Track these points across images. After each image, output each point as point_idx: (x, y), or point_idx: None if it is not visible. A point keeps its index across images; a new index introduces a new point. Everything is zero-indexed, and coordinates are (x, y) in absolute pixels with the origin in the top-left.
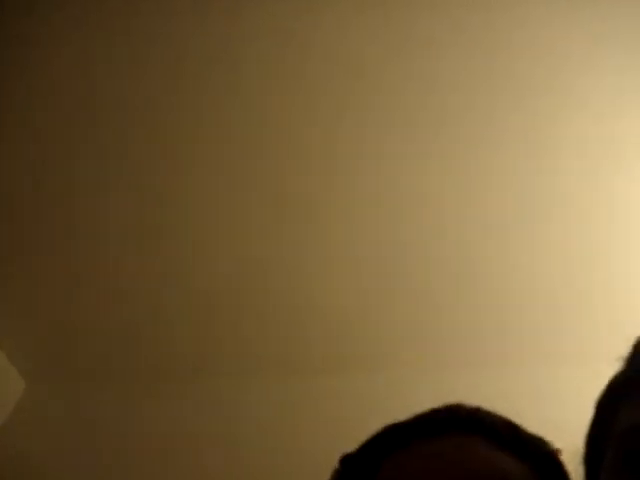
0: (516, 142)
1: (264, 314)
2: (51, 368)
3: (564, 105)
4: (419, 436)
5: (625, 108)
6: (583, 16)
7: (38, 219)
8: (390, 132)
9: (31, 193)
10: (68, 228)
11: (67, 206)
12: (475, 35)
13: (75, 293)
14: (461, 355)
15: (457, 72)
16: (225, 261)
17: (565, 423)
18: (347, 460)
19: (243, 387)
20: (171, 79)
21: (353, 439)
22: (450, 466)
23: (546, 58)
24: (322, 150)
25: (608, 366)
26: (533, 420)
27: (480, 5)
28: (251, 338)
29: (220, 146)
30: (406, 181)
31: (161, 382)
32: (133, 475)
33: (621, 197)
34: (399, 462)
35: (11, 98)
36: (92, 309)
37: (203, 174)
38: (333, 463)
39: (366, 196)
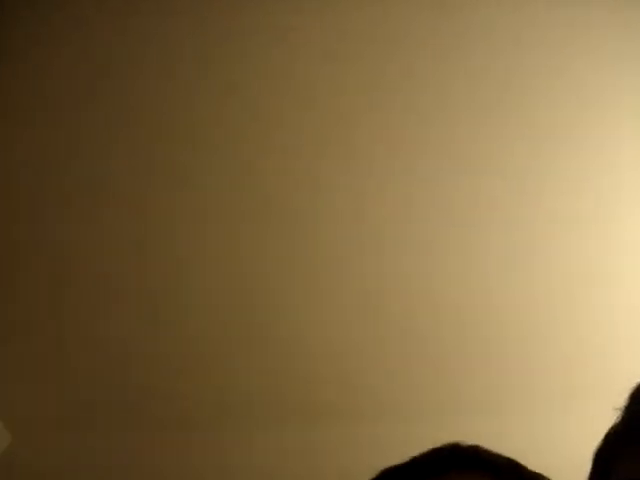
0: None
1: (259, 364)
2: (38, 421)
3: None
4: (426, 475)
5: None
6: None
7: (35, 272)
8: (386, 143)
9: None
10: (60, 278)
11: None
12: (480, 33)
13: (65, 344)
14: (453, 402)
15: (460, 74)
16: (220, 315)
17: (559, 471)
18: None
19: (237, 436)
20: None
21: None
22: None
23: (554, 57)
24: (317, 166)
25: (598, 414)
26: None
27: (486, 3)
28: (245, 389)
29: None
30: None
31: (149, 432)
32: None
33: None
34: None
35: (9, 98)
36: (82, 359)
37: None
38: None
39: (358, 231)
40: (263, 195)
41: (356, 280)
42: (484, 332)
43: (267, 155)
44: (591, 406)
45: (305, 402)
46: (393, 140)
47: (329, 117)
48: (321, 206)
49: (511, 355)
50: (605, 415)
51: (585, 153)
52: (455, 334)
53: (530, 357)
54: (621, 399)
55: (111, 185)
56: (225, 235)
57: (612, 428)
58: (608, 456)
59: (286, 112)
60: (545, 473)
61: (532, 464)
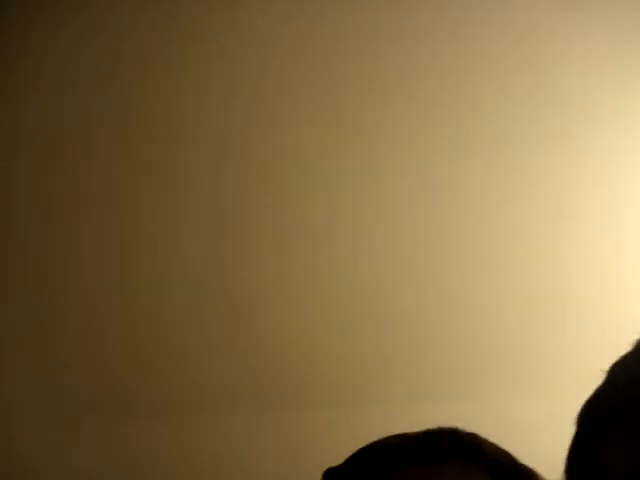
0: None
1: (238, 354)
2: (24, 415)
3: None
4: (423, 459)
5: None
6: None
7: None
8: (374, 144)
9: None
10: (48, 277)
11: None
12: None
13: (52, 337)
14: (434, 386)
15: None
16: (201, 304)
17: (538, 453)
18: (334, 473)
19: (216, 423)
20: None
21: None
22: None
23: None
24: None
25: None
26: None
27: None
28: (225, 378)
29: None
30: (389, 198)
31: (133, 423)
32: None
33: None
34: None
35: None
36: (68, 352)
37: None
38: None
39: (336, 221)
40: (246, 194)
41: (331, 269)
42: (455, 316)
43: (257, 154)
44: (567, 391)
45: (283, 388)
46: (388, 139)
47: (319, 116)
48: (300, 204)
49: (485, 339)
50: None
51: (592, 150)
52: (426, 320)
53: (506, 342)
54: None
55: (98, 189)
56: (206, 234)
57: (594, 398)
58: (591, 430)
59: (277, 110)
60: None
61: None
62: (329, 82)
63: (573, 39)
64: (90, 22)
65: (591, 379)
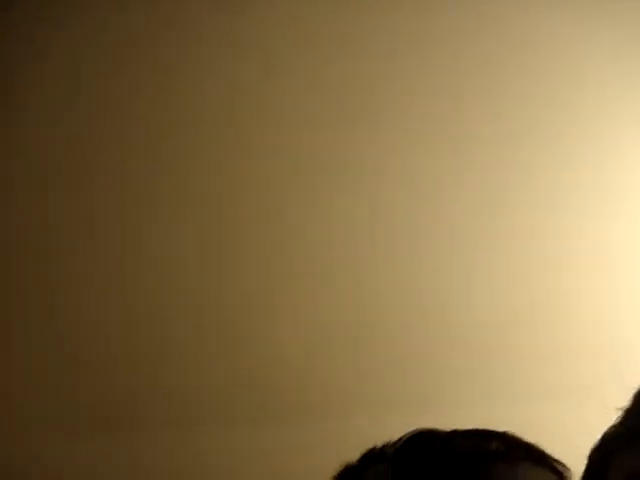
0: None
1: (237, 363)
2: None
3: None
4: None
5: None
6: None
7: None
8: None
9: None
10: (48, 281)
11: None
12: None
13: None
14: (433, 397)
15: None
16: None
17: None
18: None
19: (216, 435)
20: None
21: None
22: None
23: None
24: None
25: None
26: None
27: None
28: (223, 388)
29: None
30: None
31: (131, 432)
32: None
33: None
34: None
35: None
36: (65, 359)
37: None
38: None
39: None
40: (241, 195)
41: (329, 278)
42: (452, 326)
43: (254, 157)
44: (582, 402)
45: (283, 400)
46: (388, 143)
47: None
48: (299, 210)
49: (482, 350)
50: (596, 411)
51: (585, 150)
52: (428, 330)
53: (503, 352)
54: (615, 397)
55: (98, 190)
56: (203, 237)
57: (611, 428)
58: (607, 454)
59: (277, 113)
60: None
61: None
62: (329, 84)
63: (572, 41)
64: (91, 22)
65: (590, 389)
